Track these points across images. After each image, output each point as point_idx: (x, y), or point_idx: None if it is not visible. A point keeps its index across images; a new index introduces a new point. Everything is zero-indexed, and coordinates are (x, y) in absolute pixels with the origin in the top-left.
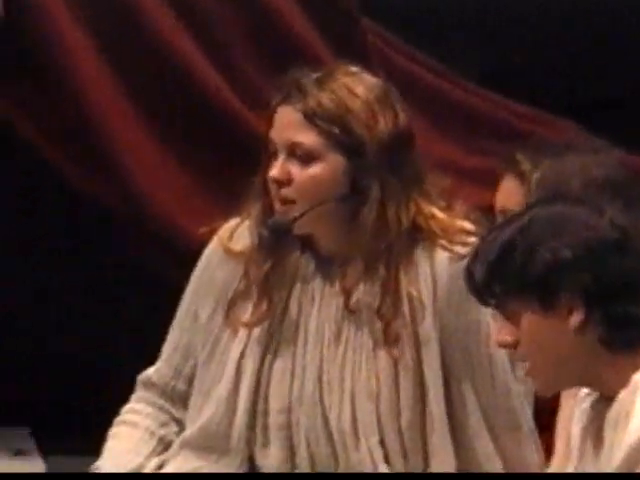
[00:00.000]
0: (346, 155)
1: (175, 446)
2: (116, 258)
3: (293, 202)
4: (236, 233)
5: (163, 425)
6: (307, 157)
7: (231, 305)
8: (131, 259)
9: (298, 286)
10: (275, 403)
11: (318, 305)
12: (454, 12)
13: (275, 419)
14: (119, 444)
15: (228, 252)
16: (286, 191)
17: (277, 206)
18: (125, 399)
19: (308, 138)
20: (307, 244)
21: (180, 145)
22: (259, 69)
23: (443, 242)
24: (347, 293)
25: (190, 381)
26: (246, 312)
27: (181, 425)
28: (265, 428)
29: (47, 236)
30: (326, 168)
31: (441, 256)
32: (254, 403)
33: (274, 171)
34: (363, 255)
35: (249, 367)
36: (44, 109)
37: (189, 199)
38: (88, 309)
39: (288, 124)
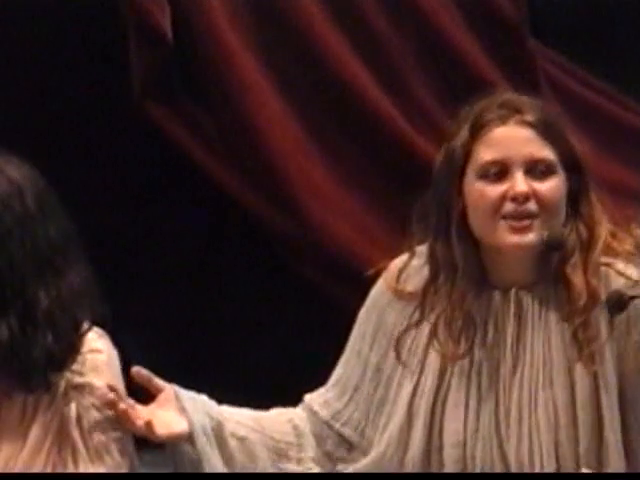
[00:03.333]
0: (566, 171)
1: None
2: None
3: (536, 217)
4: (405, 273)
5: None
6: (548, 171)
7: (402, 343)
8: (307, 285)
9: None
10: (449, 437)
11: (492, 336)
12: (628, 33)
13: (450, 453)
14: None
15: (398, 293)
16: (530, 205)
17: (513, 223)
18: None
19: (548, 153)
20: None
21: (354, 172)
22: (431, 95)
23: (619, 266)
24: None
25: (348, 424)
26: (417, 348)
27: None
28: (439, 463)
29: (226, 266)
30: (560, 183)
31: (616, 280)
32: (428, 438)
33: (521, 186)
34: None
35: (423, 403)
36: (217, 135)
37: (363, 225)
38: (264, 334)
39: (524, 141)
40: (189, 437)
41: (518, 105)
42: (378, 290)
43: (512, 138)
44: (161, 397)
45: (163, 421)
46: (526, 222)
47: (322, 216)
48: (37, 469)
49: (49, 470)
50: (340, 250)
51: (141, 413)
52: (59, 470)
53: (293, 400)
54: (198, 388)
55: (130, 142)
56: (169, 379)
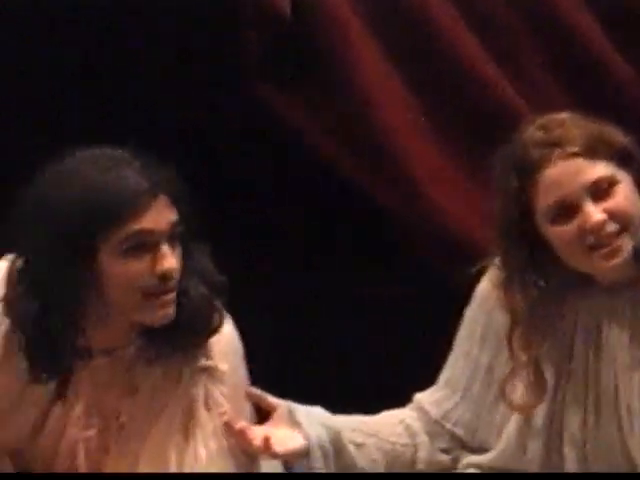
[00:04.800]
0: (624, 167)
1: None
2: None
3: (620, 233)
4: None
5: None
6: (609, 185)
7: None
8: (418, 264)
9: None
10: (569, 436)
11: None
12: None
13: (569, 452)
14: None
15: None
16: (609, 227)
17: (603, 251)
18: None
19: (601, 169)
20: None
21: (473, 155)
22: (547, 76)
23: None
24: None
25: (459, 424)
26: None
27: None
28: (559, 462)
29: (339, 248)
30: (625, 189)
31: None
32: (547, 438)
33: (593, 217)
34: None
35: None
36: (334, 118)
37: (484, 210)
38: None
39: (576, 173)
40: (306, 452)
41: (556, 138)
42: (485, 288)
43: (563, 175)
44: (275, 415)
45: (279, 439)
46: (614, 244)
47: (441, 200)
48: (166, 450)
49: (177, 450)
50: (460, 235)
51: (257, 433)
52: (188, 450)
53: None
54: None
55: (244, 126)
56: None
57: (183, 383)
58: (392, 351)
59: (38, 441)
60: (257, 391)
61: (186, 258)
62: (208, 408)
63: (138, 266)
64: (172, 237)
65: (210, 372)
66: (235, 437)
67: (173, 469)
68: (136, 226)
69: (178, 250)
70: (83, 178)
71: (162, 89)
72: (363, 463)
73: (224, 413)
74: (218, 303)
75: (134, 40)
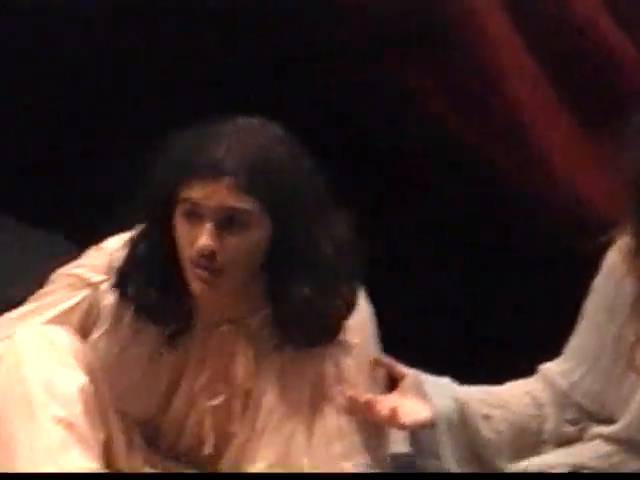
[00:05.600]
0: None
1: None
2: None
3: None
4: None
5: None
6: None
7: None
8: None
9: None
10: None
11: None
12: None
13: None
14: None
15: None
16: None
17: None
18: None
19: None
20: None
21: (595, 126)
22: None
23: None
24: None
25: (587, 395)
26: None
27: None
28: None
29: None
30: None
31: None
32: None
33: None
34: None
35: None
36: (466, 96)
37: (603, 176)
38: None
39: None
40: (432, 424)
41: None
42: (614, 258)
43: None
44: (404, 384)
45: (406, 409)
46: None
47: (570, 175)
48: (293, 424)
49: (305, 424)
50: (588, 205)
51: (384, 403)
52: (316, 423)
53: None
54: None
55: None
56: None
57: (314, 355)
58: (518, 322)
59: (168, 412)
60: (387, 360)
61: (302, 252)
62: (338, 382)
63: (187, 233)
64: (224, 220)
65: (341, 345)
66: (361, 410)
67: (301, 442)
68: (190, 192)
69: (237, 238)
70: (185, 134)
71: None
72: (489, 435)
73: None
74: (353, 284)
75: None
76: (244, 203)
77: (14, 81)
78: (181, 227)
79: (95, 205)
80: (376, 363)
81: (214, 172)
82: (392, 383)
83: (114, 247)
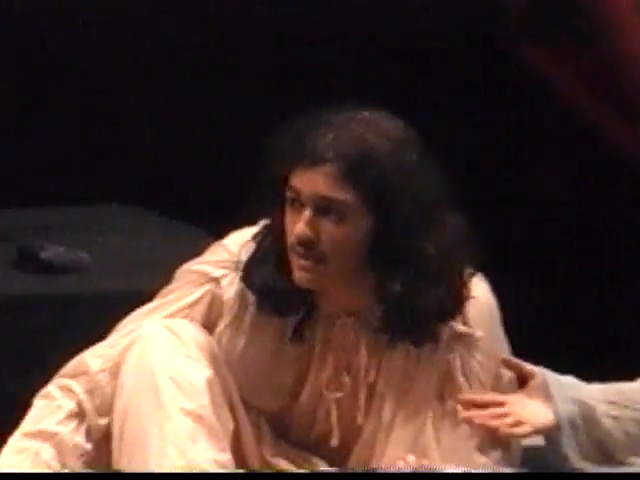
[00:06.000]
0: None
1: None
2: None
3: None
4: None
5: None
6: None
7: None
8: None
9: None
10: None
11: None
12: None
13: None
14: None
15: None
16: None
17: None
18: None
19: None
20: None
21: None
22: None
23: None
24: None
25: None
26: None
27: None
28: None
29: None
30: None
31: None
32: None
33: None
34: None
35: None
36: (599, 78)
37: None
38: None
39: None
40: (556, 428)
41: None
42: None
43: None
44: (532, 385)
45: (528, 413)
46: None
47: None
48: (422, 418)
49: (434, 416)
50: None
51: (508, 405)
52: (445, 416)
53: None
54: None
55: (502, 87)
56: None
57: (439, 348)
58: None
59: (296, 405)
60: (515, 360)
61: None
62: (465, 375)
63: (290, 221)
64: (322, 209)
65: (465, 339)
66: (479, 418)
67: (430, 436)
68: (294, 180)
69: (334, 227)
70: (297, 121)
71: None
72: (618, 435)
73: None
74: (469, 273)
75: None
76: (340, 193)
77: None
78: (287, 215)
79: (234, 197)
80: (505, 363)
81: (315, 160)
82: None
83: (234, 242)
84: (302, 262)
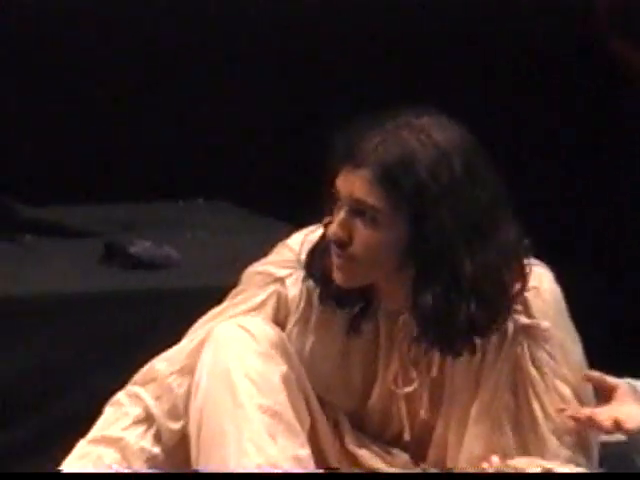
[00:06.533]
0: None
1: None
2: None
3: None
4: None
5: None
6: None
7: None
8: None
9: None
10: None
11: None
12: None
13: None
14: None
15: None
16: None
17: None
18: None
19: None
20: None
21: None
22: None
23: None
24: None
25: None
26: None
27: None
28: None
29: None
30: None
31: None
32: None
33: None
34: None
35: None
36: None
37: None
38: None
39: None
40: None
41: None
42: None
43: None
44: (619, 393)
45: (625, 415)
46: None
47: None
48: (496, 414)
49: (509, 410)
50: None
51: (603, 415)
52: (522, 409)
53: None
54: None
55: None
56: None
57: (505, 342)
58: None
59: (369, 404)
60: (596, 374)
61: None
62: (536, 367)
63: (333, 218)
64: (357, 212)
65: (531, 331)
66: (583, 425)
67: (506, 430)
68: (338, 180)
69: (366, 231)
70: (354, 121)
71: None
72: None
73: (563, 410)
74: (529, 265)
75: None
76: (372, 198)
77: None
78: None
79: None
80: (587, 378)
81: (356, 163)
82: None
83: (297, 241)
84: (336, 260)
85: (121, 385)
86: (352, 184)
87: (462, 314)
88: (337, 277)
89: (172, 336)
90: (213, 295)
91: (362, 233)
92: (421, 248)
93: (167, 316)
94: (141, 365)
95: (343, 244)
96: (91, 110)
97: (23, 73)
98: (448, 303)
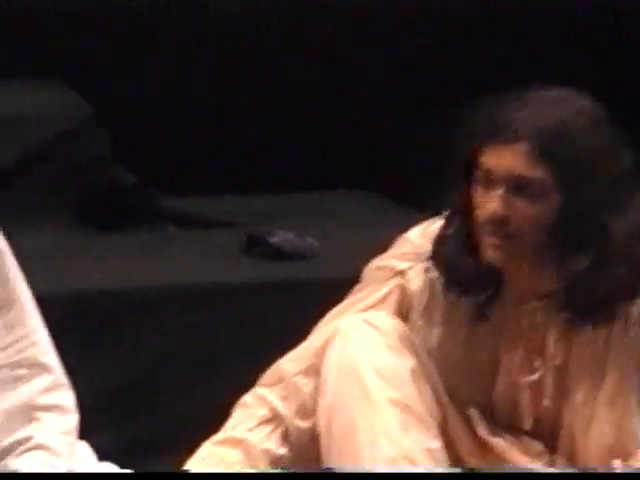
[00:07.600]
0: None
1: None
2: None
3: None
4: None
5: None
6: None
7: None
8: None
9: None
10: None
11: None
12: None
13: None
14: None
15: None
16: None
17: None
18: None
19: None
20: None
21: None
22: None
23: None
24: None
25: None
26: None
27: None
28: None
29: None
30: None
31: None
32: None
33: None
34: None
35: None
36: None
37: None
38: None
39: None
40: None
41: None
42: None
43: None
44: None
45: None
46: None
47: None
48: (624, 401)
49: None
50: None
51: None
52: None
53: None
54: None
55: None
56: None
57: (629, 328)
58: None
59: (495, 390)
60: None
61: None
62: None
63: (481, 199)
64: (515, 188)
65: None
66: None
67: (636, 419)
68: (485, 159)
69: (526, 205)
70: (489, 101)
71: None
72: None
73: None
74: None
75: None
76: (535, 172)
77: None
78: (476, 194)
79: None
80: None
81: (508, 138)
82: None
83: (417, 234)
84: (492, 240)
85: (256, 374)
86: (509, 160)
87: (613, 279)
88: (493, 257)
89: (311, 327)
90: (353, 287)
91: (523, 209)
92: (576, 215)
93: (307, 306)
94: (280, 355)
95: (503, 222)
96: (234, 101)
97: (171, 66)
98: (600, 269)
